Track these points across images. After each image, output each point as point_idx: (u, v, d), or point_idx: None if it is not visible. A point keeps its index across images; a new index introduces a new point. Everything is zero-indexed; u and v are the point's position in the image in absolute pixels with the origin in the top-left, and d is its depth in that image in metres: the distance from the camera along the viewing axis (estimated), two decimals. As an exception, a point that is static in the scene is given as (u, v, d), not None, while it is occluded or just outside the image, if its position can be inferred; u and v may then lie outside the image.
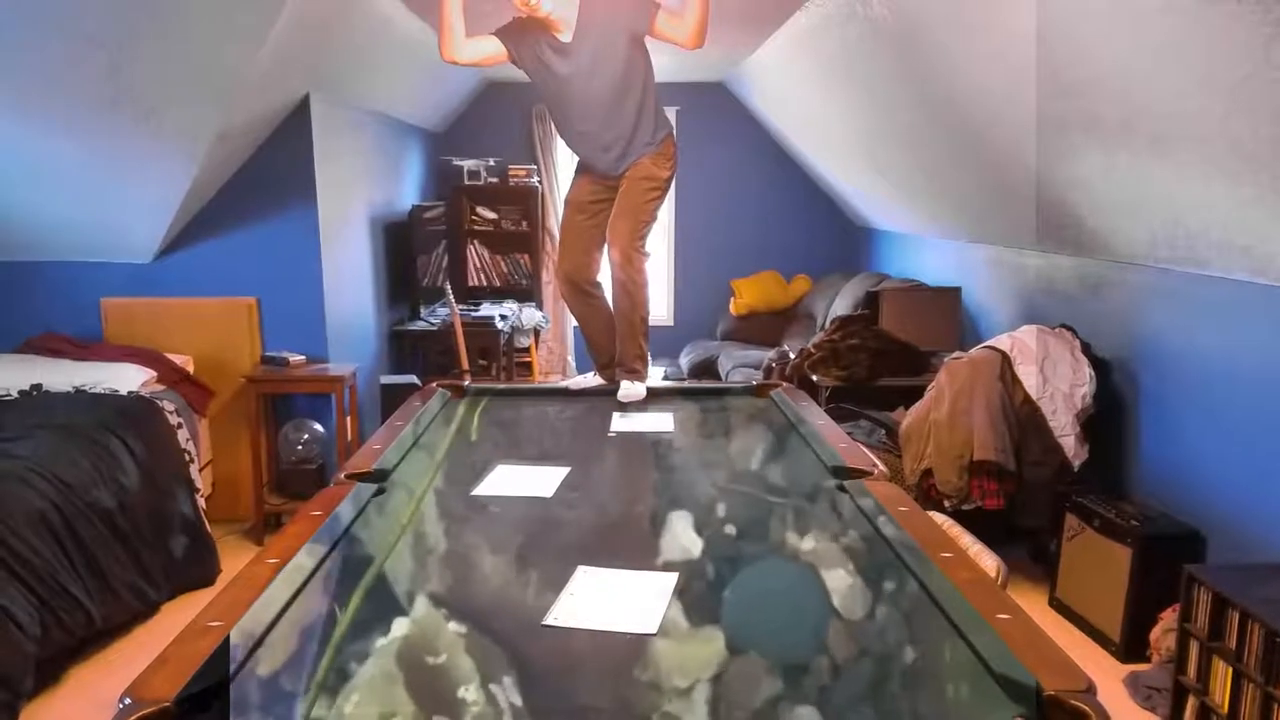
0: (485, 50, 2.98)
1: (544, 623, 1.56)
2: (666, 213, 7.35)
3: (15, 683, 2.88)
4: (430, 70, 5.81)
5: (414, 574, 1.82)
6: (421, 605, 1.64)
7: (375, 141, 5.73)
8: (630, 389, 3.06)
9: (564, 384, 3.44)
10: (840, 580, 1.76)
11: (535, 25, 2.94)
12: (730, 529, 2.06)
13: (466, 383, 3.30)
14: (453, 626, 1.55)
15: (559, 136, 3.28)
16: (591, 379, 3.31)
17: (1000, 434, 3.79)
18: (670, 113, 5.04)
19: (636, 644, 1.49)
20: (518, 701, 1.32)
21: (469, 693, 1.33)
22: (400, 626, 1.53)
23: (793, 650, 1.49)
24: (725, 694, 1.35)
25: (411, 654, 1.44)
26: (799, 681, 1.39)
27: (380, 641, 1.47)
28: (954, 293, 5.33)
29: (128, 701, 1.23)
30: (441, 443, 2.71)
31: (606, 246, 3.08)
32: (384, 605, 1.62)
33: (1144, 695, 3.15)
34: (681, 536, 1.99)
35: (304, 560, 1.72)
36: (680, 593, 1.67)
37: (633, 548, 1.94)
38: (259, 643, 1.44)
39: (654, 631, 1.53)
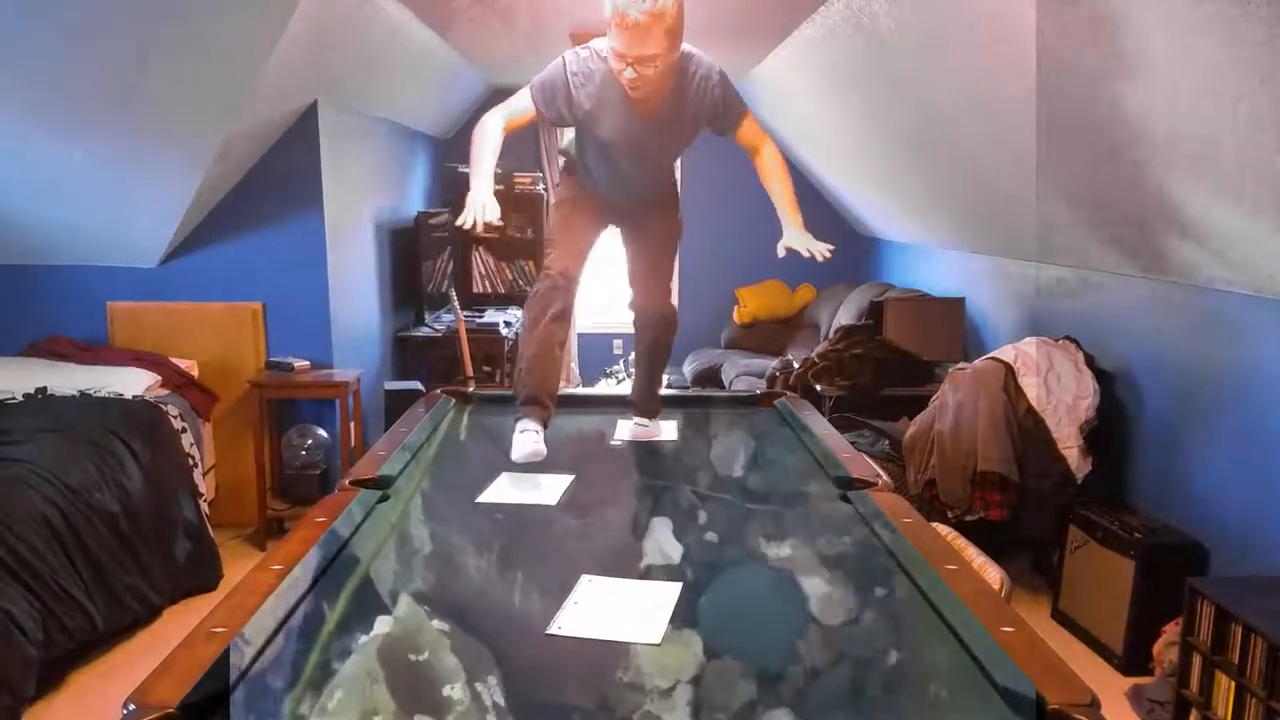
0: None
1: (548, 632, 1.56)
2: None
3: (17, 686, 2.88)
4: (437, 78, 5.83)
5: (414, 582, 1.82)
6: (420, 613, 1.64)
7: (382, 148, 5.75)
8: (651, 428, 2.90)
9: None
10: (840, 591, 1.76)
11: (609, 86, 2.48)
12: (733, 539, 2.06)
13: (471, 389, 3.31)
14: (454, 634, 1.55)
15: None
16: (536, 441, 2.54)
17: (1004, 445, 3.78)
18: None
19: (621, 646, 1.50)
20: (501, 701, 1.32)
21: (454, 691, 1.34)
22: (394, 639, 1.53)
23: (778, 659, 1.49)
24: (706, 697, 1.36)
25: (402, 666, 1.44)
26: (791, 690, 1.39)
27: (372, 653, 1.47)
28: (958, 303, 5.33)
29: (132, 707, 1.23)
30: (446, 450, 2.71)
31: (649, 308, 2.84)
32: (380, 616, 1.62)
33: (1146, 708, 3.14)
34: (684, 546, 1.99)
35: (308, 568, 1.72)
36: (687, 602, 1.68)
37: (635, 556, 1.94)
38: (262, 650, 1.44)
39: (658, 642, 1.53)
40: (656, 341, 2.90)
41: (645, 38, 2.26)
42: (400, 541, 2.01)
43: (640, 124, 2.53)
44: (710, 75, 2.52)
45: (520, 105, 2.55)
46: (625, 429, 2.91)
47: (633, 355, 3.03)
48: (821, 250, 2.52)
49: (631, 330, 2.96)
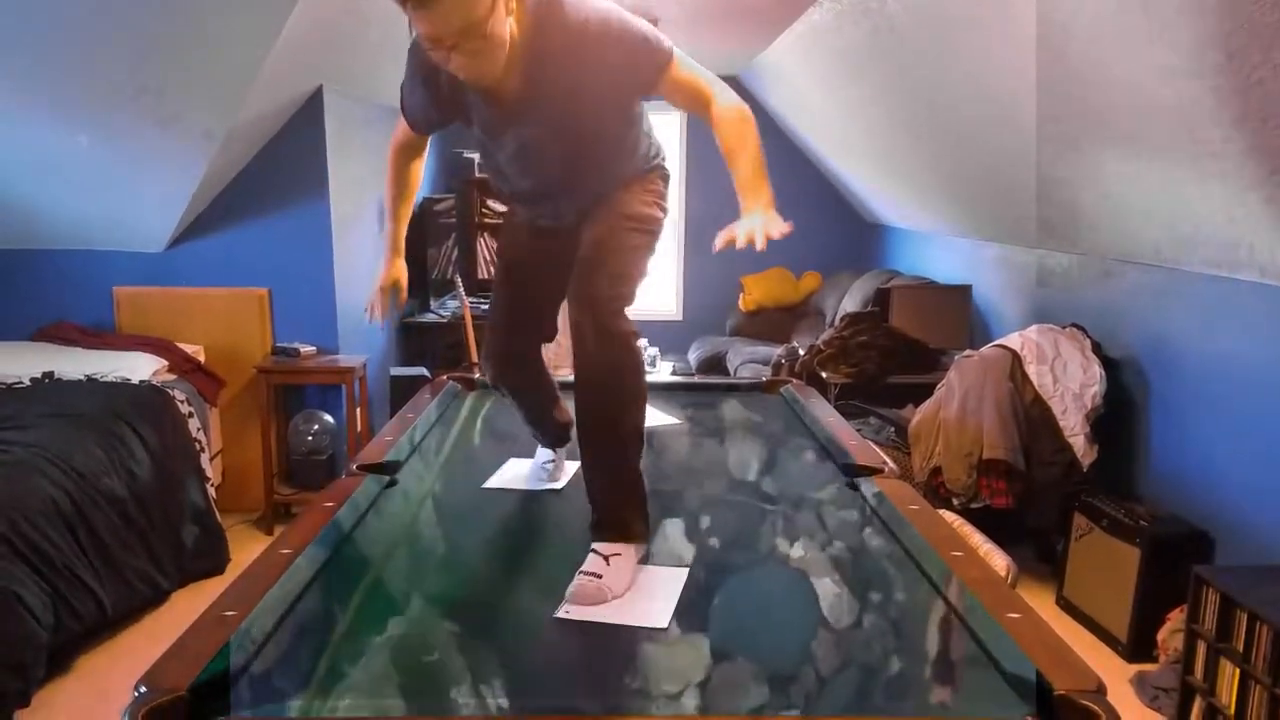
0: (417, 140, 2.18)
1: (556, 615, 1.57)
2: (676, 207, 7.36)
3: (27, 669, 2.90)
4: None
5: (421, 570, 1.83)
6: (427, 602, 1.65)
7: (387, 134, 5.70)
8: (608, 577, 1.66)
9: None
10: (846, 577, 1.77)
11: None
12: (739, 525, 2.06)
13: (476, 376, 3.31)
14: (456, 623, 1.55)
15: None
16: (561, 466, 2.33)
17: (1010, 433, 3.78)
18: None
19: (629, 647, 1.49)
20: (505, 703, 1.32)
21: (461, 693, 1.33)
22: (401, 624, 1.54)
23: (783, 645, 1.50)
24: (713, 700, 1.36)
25: (408, 652, 1.45)
26: (794, 675, 1.40)
27: (379, 639, 1.48)
28: (964, 291, 5.32)
29: (144, 690, 1.24)
30: (452, 436, 2.72)
31: (570, 317, 1.84)
32: (387, 602, 1.63)
33: (1151, 695, 3.15)
34: (690, 532, 2.00)
35: (316, 552, 1.73)
36: (694, 588, 1.68)
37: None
38: (270, 635, 1.45)
39: (665, 626, 1.54)
40: (590, 378, 1.81)
41: (450, 8, 1.56)
42: (407, 526, 2.01)
43: (510, 112, 1.81)
44: (586, 24, 1.71)
45: (400, 122, 2.09)
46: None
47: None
48: (771, 233, 1.65)
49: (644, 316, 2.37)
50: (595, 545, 1.74)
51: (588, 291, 1.79)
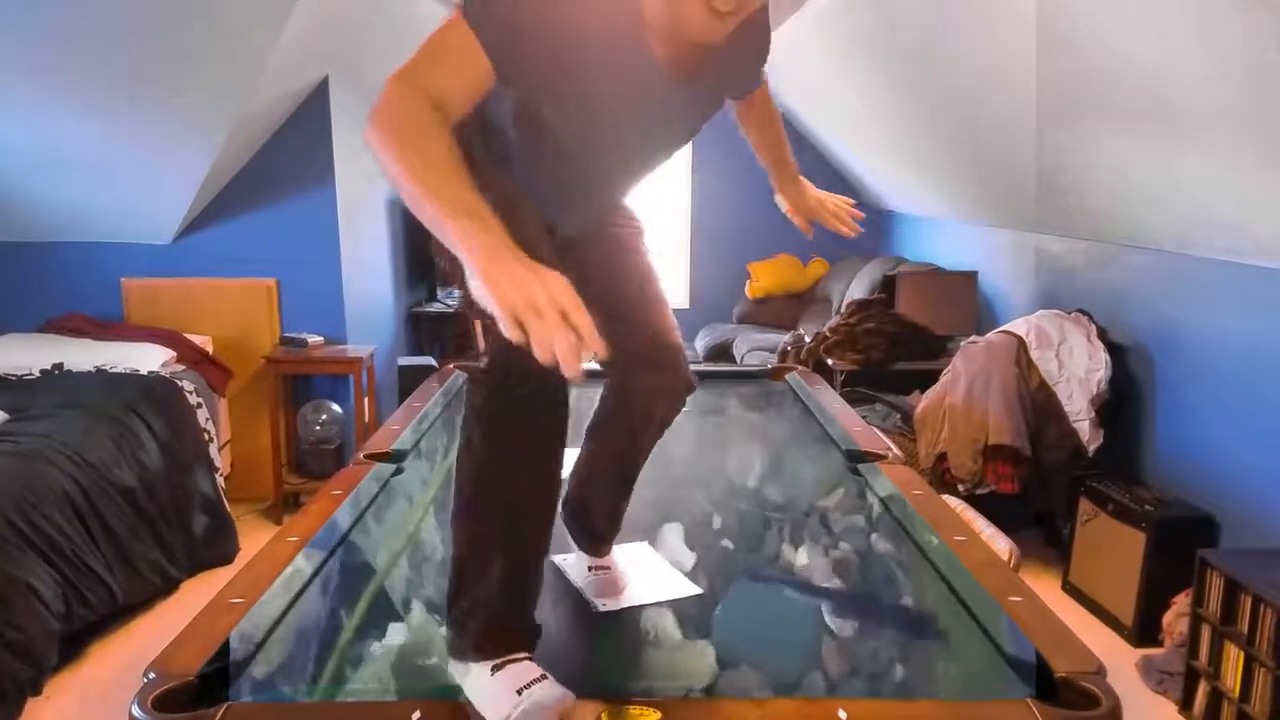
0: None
1: (596, 610, 1.58)
2: (683, 195, 7.37)
3: (40, 657, 2.93)
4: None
5: (427, 559, 1.84)
6: (433, 591, 1.66)
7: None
8: (614, 567, 1.71)
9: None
10: (851, 565, 1.78)
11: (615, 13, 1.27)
12: (741, 517, 2.07)
13: (484, 365, 3.32)
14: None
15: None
16: None
17: (1015, 418, 3.78)
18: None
19: (635, 648, 1.50)
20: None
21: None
22: (407, 614, 1.55)
23: (794, 639, 1.51)
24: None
25: (414, 641, 1.47)
26: (796, 660, 1.41)
27: (384, 628, 1.50)
28: (971, 277, 5.31)
29: (152, 676, 1.26)
30: (458, 424, 2.73)
31: (638, 387, 1.66)
32: (393, 591, 1.64)
33: (1156, 679, 3.16)
34: (692, 523, 2.01)
35: (323, 541, 1.75)
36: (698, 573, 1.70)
37: (648, 526, 1.96)
38: (278, 622, 1.46)
39: (702, 592, 1.58)
40: (660, 421, 1.70)
41: None
42: (414, 514, 2.03)
43: (666, 88, 1.35)
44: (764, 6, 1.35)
45: (454, 69, 1.26)
46: (579, 571, 1.72)
47: (591, 444, 1.70)
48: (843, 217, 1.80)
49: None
50: (595, 563, 1.70)
51: (678, 380, 1.68)
